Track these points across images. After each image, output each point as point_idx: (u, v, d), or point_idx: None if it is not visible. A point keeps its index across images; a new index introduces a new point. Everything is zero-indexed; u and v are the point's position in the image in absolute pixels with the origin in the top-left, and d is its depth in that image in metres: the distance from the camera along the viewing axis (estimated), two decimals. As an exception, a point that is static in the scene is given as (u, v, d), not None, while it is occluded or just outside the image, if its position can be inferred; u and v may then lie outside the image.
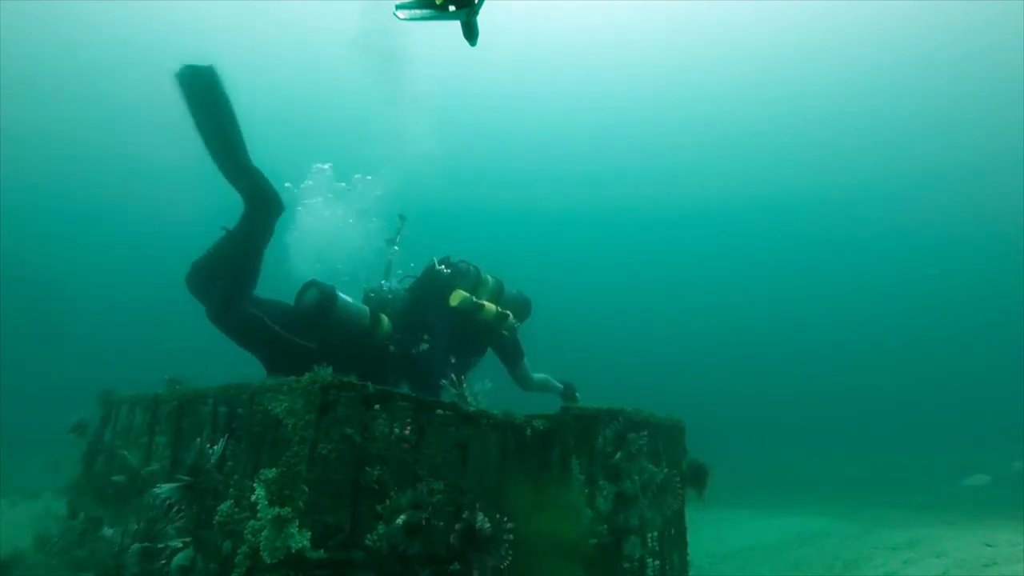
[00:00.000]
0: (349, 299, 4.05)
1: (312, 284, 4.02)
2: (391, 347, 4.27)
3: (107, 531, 3.11)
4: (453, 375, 3.28)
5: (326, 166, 5.33)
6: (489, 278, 4.78)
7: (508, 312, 4.72)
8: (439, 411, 2.85)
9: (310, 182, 5.26)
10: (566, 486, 3.12)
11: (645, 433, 3.52)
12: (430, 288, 4.56)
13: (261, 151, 3.80)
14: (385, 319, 4.22)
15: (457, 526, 2.63)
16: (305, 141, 21.43)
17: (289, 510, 2.26)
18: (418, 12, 1.93)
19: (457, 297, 4.38)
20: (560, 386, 5.28)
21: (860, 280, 30.39)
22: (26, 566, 3.36)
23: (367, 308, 4.13)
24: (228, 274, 3.68)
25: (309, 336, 3.78)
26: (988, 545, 4.76)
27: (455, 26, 2.03)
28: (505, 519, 2.70)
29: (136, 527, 2.77)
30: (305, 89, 23.75)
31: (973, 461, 13.55)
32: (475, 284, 4.65)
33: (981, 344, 27.50)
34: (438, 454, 2.80)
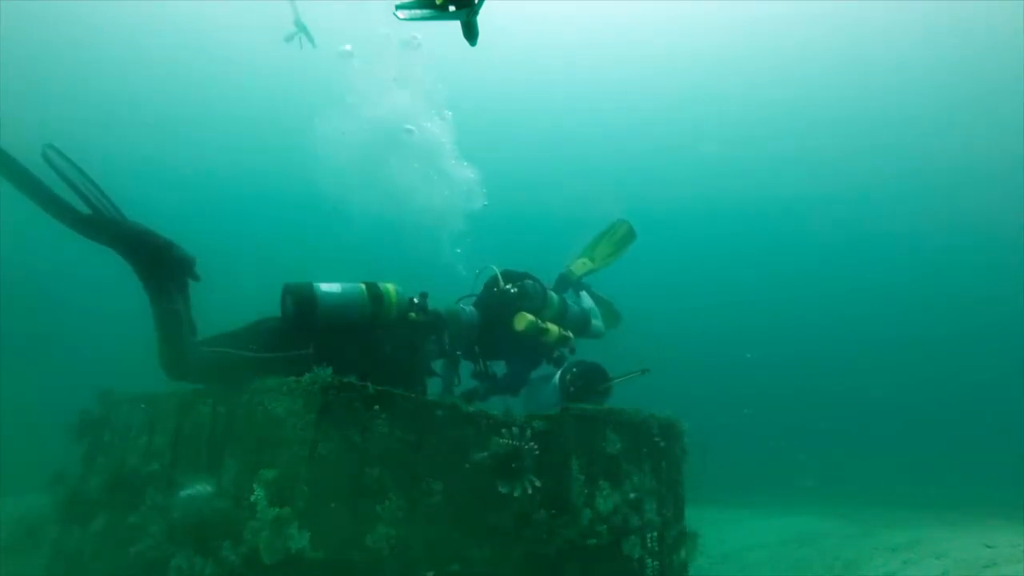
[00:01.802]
0: (336, 288, 3.47)
1: (287, 292, 3.47)
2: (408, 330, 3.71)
3: (106, 531, 3.11)
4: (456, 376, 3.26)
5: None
6: (553, 296, 4.56)
7: (570, 334, 4.51)
8: (439, 412, 2.85)
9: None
10: (565, 486, 3.12)
11: (643, 433, 3.52)
12: (496, 308, 4.32)
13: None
14: (391, 289, 3.63)
15: None
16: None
17: (289, 510, 2.26)
18: (418, 12, 1.93)
19: (523, 321, 4.13)
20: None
21: (860, 281, 30.38)
22: (23, 565, 3.36)
23: (362, 287, 3.54)
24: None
25: (301, 344, 3.34)
26: (988, 546, 4.74)
27: (455, 26, 2.03)
28: None
29: (137, 527, 2.77)
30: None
31: (972, 461, 13.53)
32: (541, 304, 4.41)
33: (982, 345, 27.47)
34: (438, 454, 2.80)
